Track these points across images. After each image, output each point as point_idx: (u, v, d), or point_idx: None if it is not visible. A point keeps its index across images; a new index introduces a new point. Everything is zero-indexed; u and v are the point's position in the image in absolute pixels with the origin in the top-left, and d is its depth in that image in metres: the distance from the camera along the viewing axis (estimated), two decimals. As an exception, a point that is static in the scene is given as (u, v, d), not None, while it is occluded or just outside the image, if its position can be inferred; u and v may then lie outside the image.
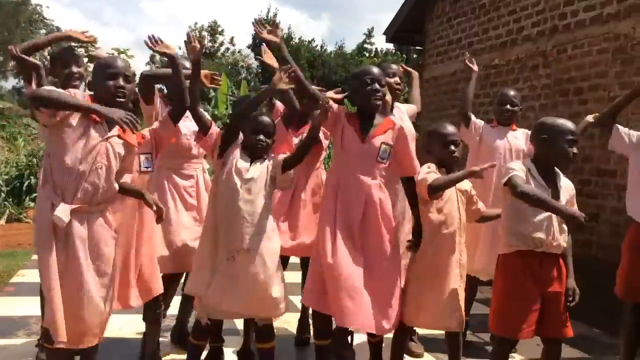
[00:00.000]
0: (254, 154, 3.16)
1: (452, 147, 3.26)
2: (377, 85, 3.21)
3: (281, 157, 3.20)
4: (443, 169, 3.27)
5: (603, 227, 5.39)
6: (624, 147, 3.57)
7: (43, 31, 37.50)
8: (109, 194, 2.79)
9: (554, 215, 2.93)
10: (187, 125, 3.55)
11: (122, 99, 2.80)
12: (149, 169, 3.24)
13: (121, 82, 2.79)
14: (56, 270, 2.61)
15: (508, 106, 4.18)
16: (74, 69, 3.50)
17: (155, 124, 3.28)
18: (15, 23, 34.35)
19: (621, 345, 3.53)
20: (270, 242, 3.09)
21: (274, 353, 3.23)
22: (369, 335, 3.36)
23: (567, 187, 3.07)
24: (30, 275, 5.22)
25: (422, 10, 8.68)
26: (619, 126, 3.60)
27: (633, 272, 3.43)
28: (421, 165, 3.34)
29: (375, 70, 3.28)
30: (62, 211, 2.62)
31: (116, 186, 2.82)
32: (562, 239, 2.99)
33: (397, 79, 3.86)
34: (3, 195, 11.07)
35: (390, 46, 27.28)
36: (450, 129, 3.30)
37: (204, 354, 3.43)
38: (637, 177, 3.51)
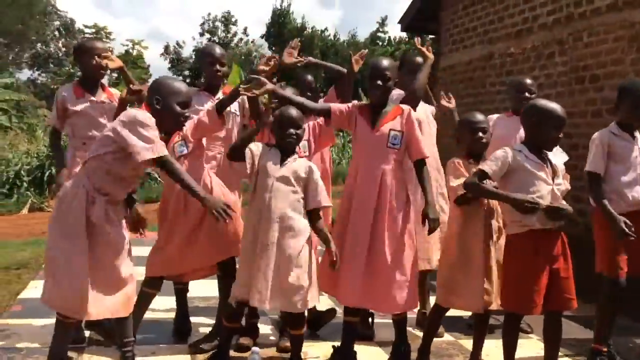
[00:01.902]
0: (286, 149, 3.28)
1: (481, 134, 3.38)
2: (379, 82, 3.40)
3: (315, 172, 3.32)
4: (471, 160, 3.38)
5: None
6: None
7: (57, 22, 37.81)
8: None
9: (555, 189, 3.12)
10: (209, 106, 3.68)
11: (184, 125, 3.14)
12: (184, 152, 3.44)
13: (187, 112, 3.06)
14: (85, 254, 2.85)
15: (527, 94, 4.28)
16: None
17: (201, 114, 3.46)
18: (29, 15, 34.61)
19: (597, 320, 3.66)
20: (298, 238, 3.20)
21: (302, 339, 3.37)
22: (393, 313, 3.51)
23: (559, 162, 3.28)
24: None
25: (437, -2, 8.74)
26: None
27: (607, 248, 3.59)
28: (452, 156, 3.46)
29: (381, 64, 3.46)
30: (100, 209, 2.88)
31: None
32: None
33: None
34: (25, 185, 11.34)
35: (404, 34, 27.19)
36: (479, 117, 3.44)
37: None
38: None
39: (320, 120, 3.67)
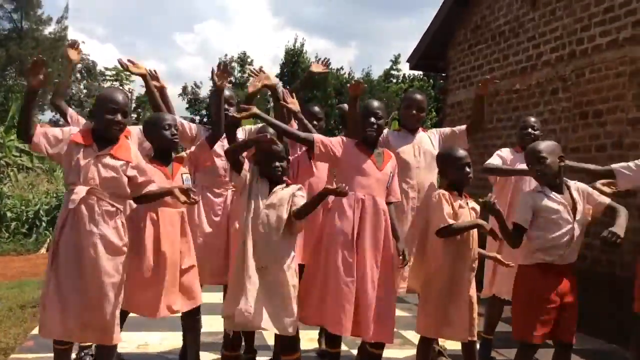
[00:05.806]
0: (273, 180, 3.36)
1: (467, 169, 3.50)
2: (372, 119, 3.54)
3: (299, 201, 3.32)
4: (455, 192, 3.50)
5: (625, 247, 5.47)
6: (632, 180, 3.65)
7: (79, 65, 38.77)
8: (108, 206, 3.08)
9: (575, 227, 3.22)
10: (225, 146, 3.79)
11: (119, 132, 3.13)
12: (190, 186, 3.51)
13: (119, 117, 3.10)
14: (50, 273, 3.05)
15: (530, 130, 4.49)
16: None
17: (193, 147, 3.62)
18: (52, 58, 35.49)
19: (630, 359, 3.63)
20: (284, 263, 3.27)
21: None
22: (372, 347, 3.57)
23: (581, 191, 3.35)
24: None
25: (444, 37, 8.92)
26: (616, 166, 3.70)
27: None
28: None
29: (375, 104, 3.61)
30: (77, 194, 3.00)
31: (119, 203, 3.13)
32: (576, 252, 3.27)
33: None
34: (44, 224, 11.49)
35: (418, 72, 27.53)
36: (463, 152, 3.53)
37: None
38: None
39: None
